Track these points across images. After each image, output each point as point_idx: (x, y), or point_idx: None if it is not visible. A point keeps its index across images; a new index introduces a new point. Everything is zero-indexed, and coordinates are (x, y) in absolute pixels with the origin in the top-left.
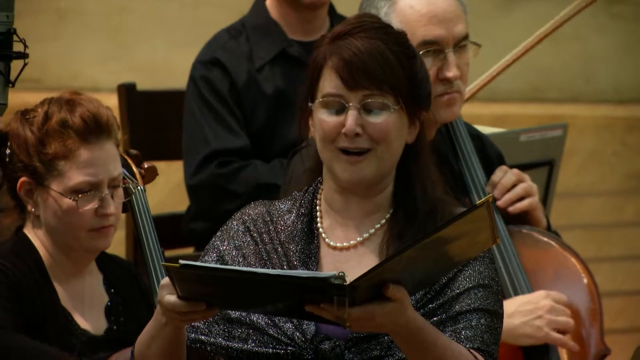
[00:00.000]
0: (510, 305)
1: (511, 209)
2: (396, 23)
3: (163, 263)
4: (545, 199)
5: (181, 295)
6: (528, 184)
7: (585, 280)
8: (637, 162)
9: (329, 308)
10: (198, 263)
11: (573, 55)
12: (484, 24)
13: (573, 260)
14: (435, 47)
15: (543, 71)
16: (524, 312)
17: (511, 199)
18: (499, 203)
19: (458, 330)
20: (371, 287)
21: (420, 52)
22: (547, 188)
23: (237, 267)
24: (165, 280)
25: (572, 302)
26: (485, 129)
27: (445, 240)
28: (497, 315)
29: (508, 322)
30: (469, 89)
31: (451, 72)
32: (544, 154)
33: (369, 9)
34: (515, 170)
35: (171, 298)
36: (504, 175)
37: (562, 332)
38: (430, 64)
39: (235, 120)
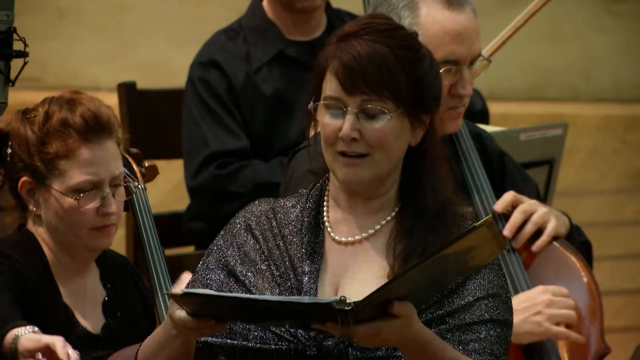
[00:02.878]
0: None
1: (535, 249)
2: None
3: (166, 292)
4: (545, 198)
5: (190, 312)
6: (538, 214)
7: (585, 279)
8: (637, 160)
9: (335, 326)
10: (199, 291)
11: (573, 54)
12: (484, 22)
13: (573, 259)
14: (454, 65)
15: (543, 70)
16: (523, 309)
17: (524, 238)
18: (514, 244)
19: (465, 342)
20: (376, 305)
21: (441, 70)
22: (547, 187)
23: (236, 295)
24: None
25: (572, 300)
26: (485, 128)
27: (448, 257)
28: (506, 324)
29: None
30: None
31: (466, 90)
32: (544, 153)
33: (390, 15)
34: (523, 207)
35: (181, 314)
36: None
37: (566, 325)
38: (444, 80)
39: (234, 121)
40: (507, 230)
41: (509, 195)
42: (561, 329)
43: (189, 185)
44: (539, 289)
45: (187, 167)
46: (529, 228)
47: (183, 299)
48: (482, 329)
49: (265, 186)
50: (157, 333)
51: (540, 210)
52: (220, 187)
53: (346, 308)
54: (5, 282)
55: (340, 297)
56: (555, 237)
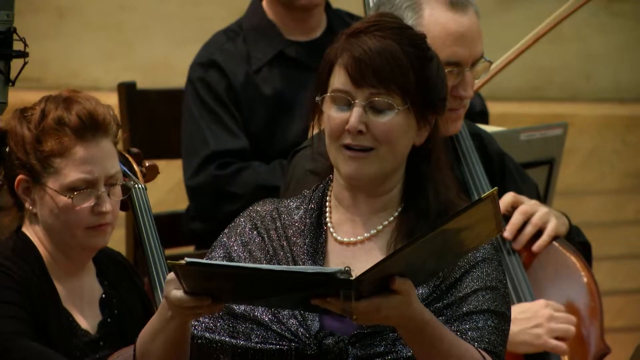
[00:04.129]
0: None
1: (535, 249)
2: None
3: (169, 261)
4: (545, 198)
5: (188, 290)
6: (538, 215)
7: (585, 279)
8: (637, 160)
9: (335, 301)
10: (203, 260)
11: (573, 54)
12: (483, 22)
13: (573, 259)
14: (456, 67)
15: (543, 70)
16: (523, 320)
17: (524, 240)
18: (515, 245)
19: (464, 331)
20: (377, 281)
21: None
22: (547, 187)
23: (242, 264)
24: (172, 275)
25: (572, 301)
26: (485, 128)
27: (450, 233)
28: (504, 317)
29: None
30: None
31: (467, 92)
32: (544, 152)
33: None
34: (523, 208)
35: (178, 293)
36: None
37: (561, 339)
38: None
39: (234, 122)
40: (508, 232)
41: (508, 197)
42: (559, 344)
43: (188, 185)
44: (541, 302)
45: (186, 167)
46: (529, 229)
47: (184, 271)
48: (480, 318)
49: (265, 189)
50: (153, 319)
51: (540, 211)
52: (220, 187)
53: (350, 278)
54: (14, 300)
55: (345, 267)
56: (555, 237)
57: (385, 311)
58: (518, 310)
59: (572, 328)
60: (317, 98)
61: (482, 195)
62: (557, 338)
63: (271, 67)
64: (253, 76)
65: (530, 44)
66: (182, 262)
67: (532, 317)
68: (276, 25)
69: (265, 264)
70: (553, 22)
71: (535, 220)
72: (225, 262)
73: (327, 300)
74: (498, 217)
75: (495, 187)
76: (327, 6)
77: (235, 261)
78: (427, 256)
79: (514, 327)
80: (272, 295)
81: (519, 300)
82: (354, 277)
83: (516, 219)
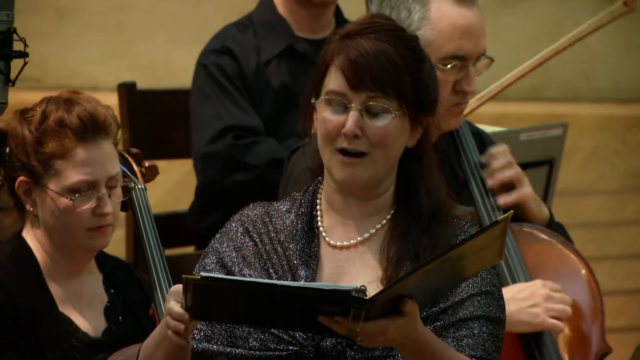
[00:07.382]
0: (507, 293)
1: (500, 202)
2: (428, 30)
3: (183, 275)
4: (545, 198)
5: (188, 305)
6: (516, 171)
7: (586, 279)
8: (637, 160)
9: (343, 321)
10: (219, 275)
11: (573, 54)
12: (484, 22)
13: (574, 258)
14: (461, 61)
15: (543, 70)
16: (521, 299)
17: (500, 181)
18: (489, 184)
19: (460, 338)
20: (386, 302)
21: (448, 66)
22: (547, 187)
23: (257, 280)
24: (175, 288)
25: (573, 300)
26: (485, 128)
27: (462, 255)
28: (499, 322)
29: None
30: (478, 97)
31: (471, 87)
32: (544, 153)
33: (399, 10)
34: (509, 157)
35: (175, 307)
36: (496, 156)
37: (557, 319)
38: (450, 76)
39: (247, 102)
40: (487, 173)
41: (505, 157)
42: (556, 322)
43: (202, 152)
44: (538, 282)
45: (199, 138)
46: (509, 173)
47: (197, 286)
48: (476, 324)
49: (280, 163)
50: (155, 332)
51: (524, 178)
52: (235, 156)
53: (364, 297)
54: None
55: (360, 286)
56: (523, 205)
57: (391, 333)
58: (515, 290)
59: (569, 308)
60: (313, 100)
61: (499, 218)
62: (553, 318)
63: (280, 60)
64: (262, 68)
65: (549, 57)
66: (197, 277)
67: (529, 297)
68: (286, 20)
69: (260, 269)
70: (577, 36)
71: (517, 171)
72: (241, 278)
73: (336, 319)
74: (504, 241)
75: (511, 211)
76: (338, 11)
77: (229, 267)
78: (433, 280)
79: (511, 307)
80: (278, 313)
81: (513, 281)
82: (368, 297)
83: (499, 162)
